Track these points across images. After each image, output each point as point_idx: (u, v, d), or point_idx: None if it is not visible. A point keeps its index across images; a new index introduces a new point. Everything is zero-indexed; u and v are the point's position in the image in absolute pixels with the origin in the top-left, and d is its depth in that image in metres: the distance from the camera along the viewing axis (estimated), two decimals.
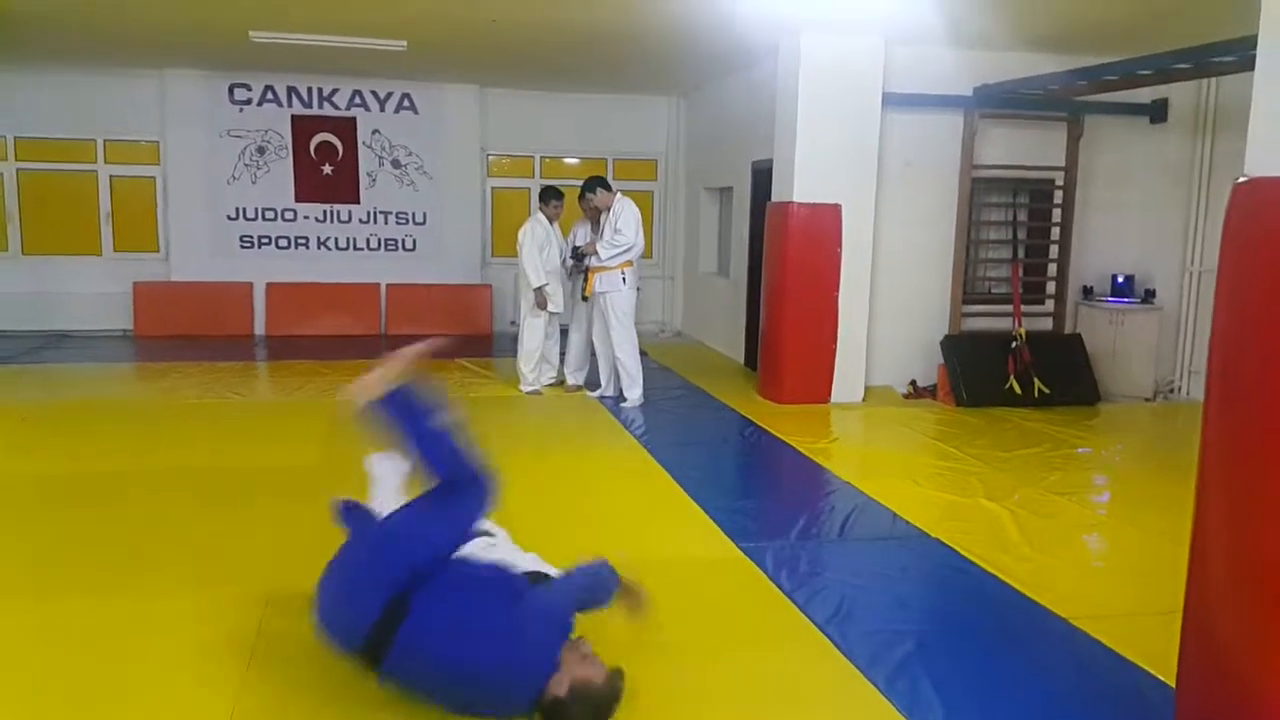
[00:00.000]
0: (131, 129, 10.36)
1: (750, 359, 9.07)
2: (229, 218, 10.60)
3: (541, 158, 11.42)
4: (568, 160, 11.53)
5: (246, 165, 10.55)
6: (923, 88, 7.77)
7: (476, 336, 10.70)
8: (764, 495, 5.73)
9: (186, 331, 10.20)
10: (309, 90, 10.54)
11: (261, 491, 5.12)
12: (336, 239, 10.94)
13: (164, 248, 10.61)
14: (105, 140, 10.36)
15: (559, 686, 2.57)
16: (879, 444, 6.70)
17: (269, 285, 10.69)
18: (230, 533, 4.48)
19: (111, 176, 10.46)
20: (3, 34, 8.09)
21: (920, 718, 3.00)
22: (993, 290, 8.45)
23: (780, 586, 4.00)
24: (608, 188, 7.58)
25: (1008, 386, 7.72)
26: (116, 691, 2.99)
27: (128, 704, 2.92)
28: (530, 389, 7.92)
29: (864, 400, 7.82)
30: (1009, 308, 8.09)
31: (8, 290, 10.19)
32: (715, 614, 3.78)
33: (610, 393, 7.75)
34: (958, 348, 7.93)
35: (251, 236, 10.70)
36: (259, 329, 10.69)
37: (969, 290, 8.25)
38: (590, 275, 7.56)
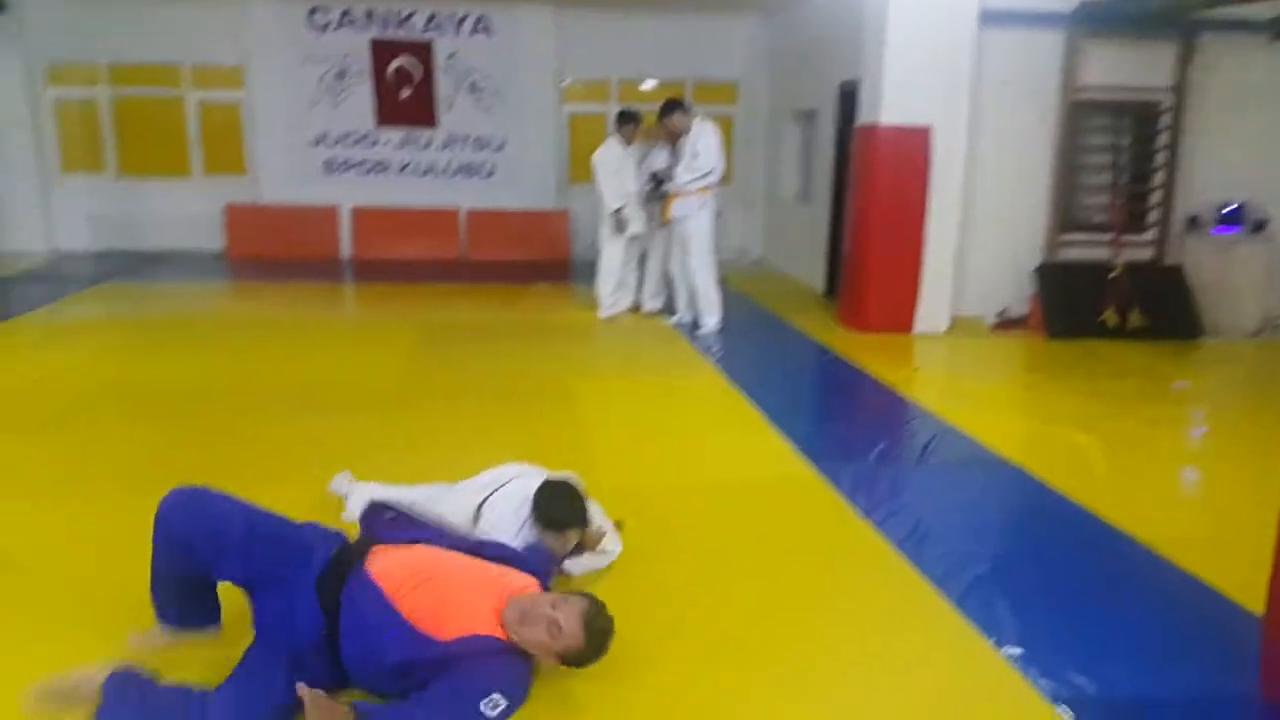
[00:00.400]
0: (217, 54, 10.52)
1: (831, 287, 8.91)
2: (313, 141, 10.74)
3: (619, 81, 11.26)
4: (645, 84, 11.34)
5: (328, 90, 10.64)
6: (1021, 4, 7.39)
7: (554, 262, 10.73)
8: (841, 420, 5.66)
9: (275, 253, 10.45)
10: (387, 13, 10.53)
11: (344, 403, 5.26)
12: (417, 164, 11.02)
13: (252, 171, 10.83)
14: (192, 65, 10.55)
15: (549, 659, 2.53)
16: (963, 373, 6.54)
17: (354, 209, 10.85)
18: (316, 437, 4.63)
19: (199, 101, 10.67)
20: None
21: (994, 633, 2.98)
22: (1091, 218, 8.10)
23: (857, 506, 3.98)
24: (686, 111, 7.43)
25: (1102, 318, 7.44)
26: None
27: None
28: (608, 314, 7.93)
29: (949, 330, 7.62)
30: (1107, 236, 7.76)
31: (106, 211, 10.54)
32: (790, 531, 3.79)
33: (687, 319, 7.72)
34: (1051, 277, 7.65)
35: (335, 160, 10.84)
36: (344, 251, 10.90)
37: (1065, 218, 7.92)
38: (668, 200, 7.48)
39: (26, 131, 10.20)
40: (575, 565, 3.26)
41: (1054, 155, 7.70)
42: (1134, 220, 8.00)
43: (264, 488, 3.77)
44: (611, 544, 3.37)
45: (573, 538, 3.17)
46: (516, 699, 2.43)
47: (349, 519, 3.48)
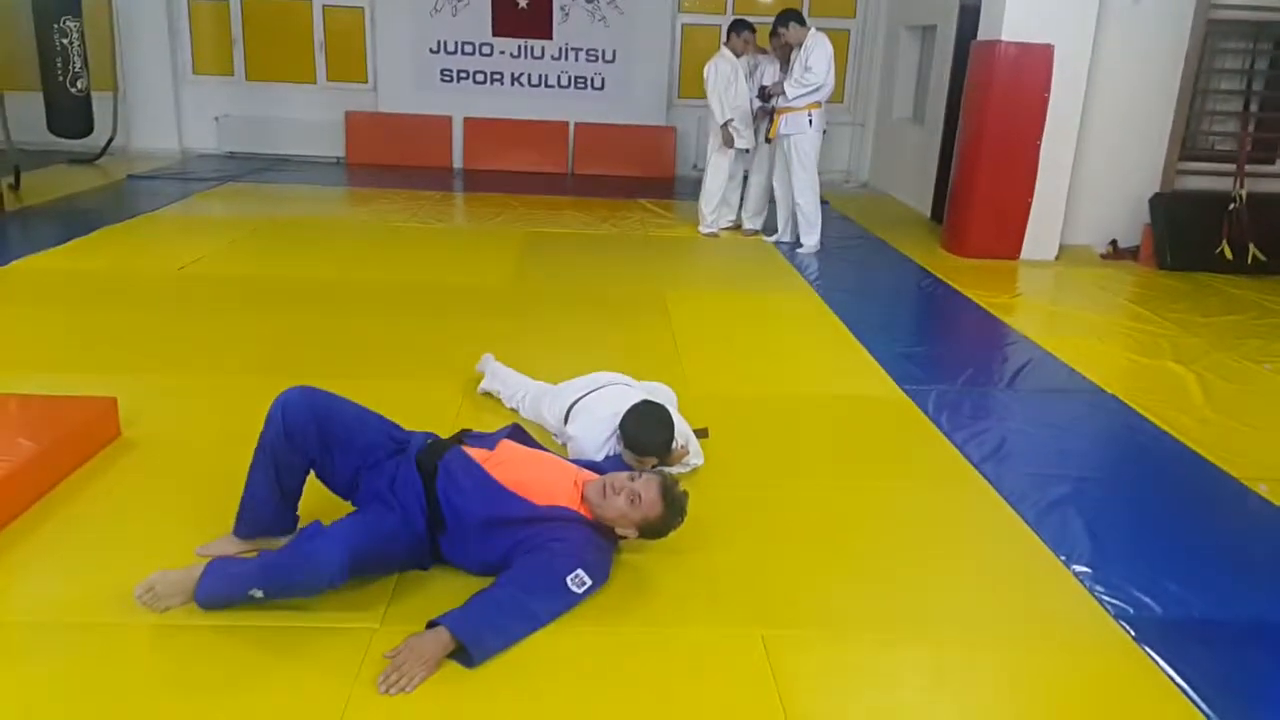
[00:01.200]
0: None
1: (938, 212, 8.76)
2: (431, 50, 10.93)
3: None
4: None
5: None
6: None
7: (659, 179, 10.78)
8: (934, 343, 5.67)
9: (392, 161, 10.78)
10: None
11: (454, 304, 5.55)
12: (529, 75, 11.12)
13: (372, 79, 11.11)
14: None
15: (629, 530, 2.69)
16: (1066, 302, 6.44)
17: (466, 119, 11.07)
18: (429, 336, 4.93)
19: (324, 6, 10.94)
20: None
21: (1064, 551, 3.06)
22: (1216, 147, 7.73)
23: (940, 427, 4.06)
24: (802, 22, 7.30)
25: (1219, 251, 7.16)
26: None
27: None
28: (708, 230, 8.00)
29: (1057, 258, 7.47)
30: (1232, 166, 7.41)
31: (234, 113, 11.00)
32: (869, 444, 3.91)
33: (787, 238, 7.74)
34: (1168, 207, 7.38)
35: (451, 70, 11.04)
36: (456, 161, 11.17)
37: (1188, 145, 7.59)
38: (775, 117, 7.44)
39: (163, 33, 10.65)
40: None
41: (1183, 78, 7.34)
42: (1262, 150, 7.61)
43: (374, 381, 4.11)
44: (694, 457, 3.52)
45: (650, 462, 3.27)
46: (599, 579, 2.61)
47: (482, 390, 4.05)
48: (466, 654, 2.31)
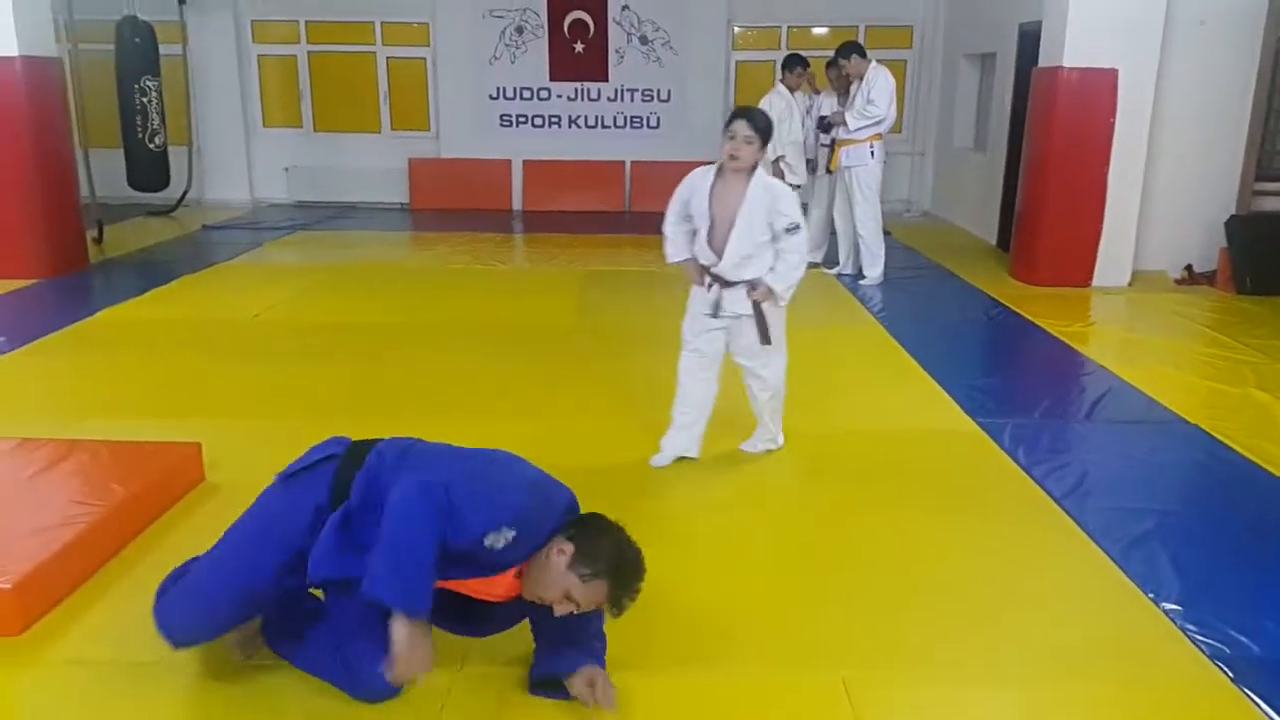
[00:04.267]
0: (406, 11, 11.05)
1: (1004, 239, 8.64)
2: (490, 97, 11.17)
3: (788, 28, 11.13)
4: (816, 30, 11.17)
5: (506, 45, 11.02)
6: None
7: None
8: (1006, 374, 5.57)
9: (454, 205, 10.98)
10: None
11: (518, 344, 5.62)
12: (585, 117, 11.29)
13: (434, 126, 11.38)
14: (382, 22, 11.13)
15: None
16: (1141, 329, 6.27)
17: (525, 162, 11.25)
18: (499, 376, 5.01)
19: (388, 58, 11.26)
20: None
21: (1155, 589, 2.97)
22: None
23: (1017, 461, 3.98)
24: (863, 54, 7.29)
25: None
26: None
27: None
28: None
29: (1130, 284, 7.29)
30: None
31: (303, 163, 11.33)
32: (945, 481, 3.84)
33: (849, 270, 7.68)
34: (1245, 229, 7.18)
35: (510, 115, 11.25)
36: (516, 204, 11.34)
37: (1264, 166, 7.39)
38: (836, 149, 7.43)
39: (234, 89, 11.06)
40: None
41: (1255, 98, 7.17)
42: None
43: (443, 419, 4.16)
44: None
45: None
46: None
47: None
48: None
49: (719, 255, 3.61)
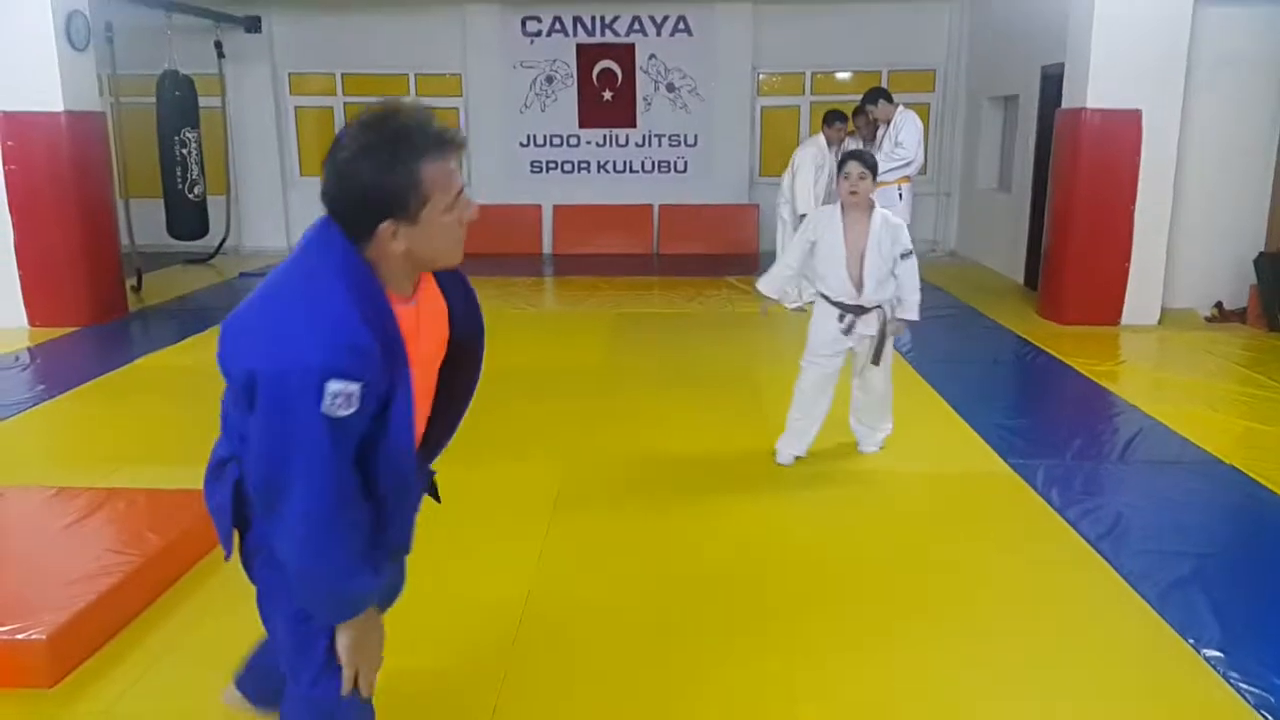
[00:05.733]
0: (439, 63, 11.30)
1: (1031, 279, 8.63)
2: (521, 144, 11.37)
3: (812, 74, 11.26)
4: (839, 75, 11.29)
5: (537, 95, 11.23)
6: None
7: (743, 255, 10.87)
8: (1038, 414, 5.55)
9: (485, 250, 11.04)
10: (592, 19, 10.99)
11: (550, 386, 5.67)
12: (614, 163, 11.45)
13: (467, 174, 11.55)
14: (416, 74, 11.37)
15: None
16: (1172, 368, 6.23)
17: (555, 207, 11.40)
18: (532, 417, 5.07)
19: None
20: None
21: (1195, 635, 2.93)
22: None
23: (1051, 503, 3.95)
24: (890, 99, 7.37)
25: None
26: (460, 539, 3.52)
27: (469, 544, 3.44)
28: (794, 305, 8.00)
29: (1160, 323, 7.26)
30: None
31: None
32: (980, 526, 3.82)
33: None
34: (1274, 266, 7.13)
35: (540, 161, 11.44)
36: (546, 248, 11.47)
37: None
38: None
39: (272, 139, 11.33)
40: None
41: (1279, 136, 7.17)
42: None
43: (476, 463, 4.20)
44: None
45: None
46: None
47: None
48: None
49: (859, 287, 4.09)
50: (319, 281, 1.58)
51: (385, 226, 1.58)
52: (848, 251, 4.07)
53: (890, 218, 4.12)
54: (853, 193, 4.02)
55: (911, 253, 4.13)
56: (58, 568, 3.04)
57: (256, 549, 1.83)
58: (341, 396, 1.51)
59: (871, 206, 4.08)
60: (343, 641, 1.74)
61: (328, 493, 1.58)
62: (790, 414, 4.41)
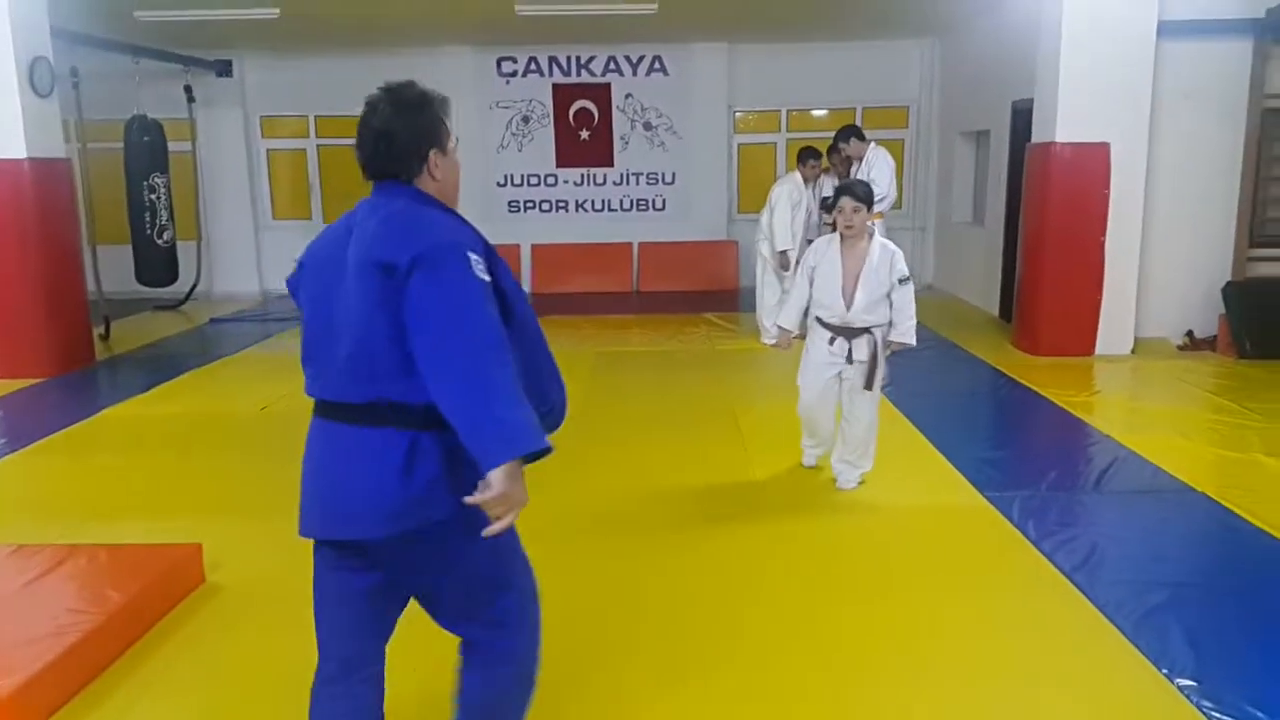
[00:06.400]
0: None
1: (1005, 311, 8.69)
2: (498, 184, 11.41)
3: (788, 111, 11.39)
4: (815, 112, 11.42)
5: (514, 134, 11.29)
6: (1203, 14, 7.09)
7: (722, 291, 10.92)
8: (1013, 446, 5.56)
9: None
10: (568, 59, 11.08)
11: None
12: (592, 201, 11.51)
13: None
14: None
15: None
16: (1146, 398, 6.26)
17: (534, 246, 11.41)
18: None
19: None
20: (294, 29, 9.17)
21: (1169, 666, 2.91)
22: None
23: (1026, 535, 3.94)
24: (861, 137, 7.46)
25: None
26: None
27: None
28: (772, 341, 8.00)
29: (1132, 352, 7.31)
30: None
31: None
32: (956, 560, 3.80)
33: None
34: (1242, 295, 7.22)
35: (518, 201, 11.48)
36: (525, 286, 11.36)
37: (1256, 233, 7.46)
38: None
39: (244, 183, 11.28)
40: None
41: (1243, 168, 7.28)
42: None
43: None
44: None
45: None
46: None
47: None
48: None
49: (848, 304, 4.22)
50: (421, 204, 2.10)
51: (433, 154, 2.13)
52: (844, 273, 4.23)
53: (889, 244, 4.27)
54: (848, 227, 4.18)
55: (909, 279, 4.26)
56: (15, 628, 2.96)
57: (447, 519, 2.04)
58: (480, 264, 1.95)
59: (871, 234, 4.23)
60: (499, 484, 1.87)
61: (485, 329, 1.89)
62: (802, 440, 4.77)
